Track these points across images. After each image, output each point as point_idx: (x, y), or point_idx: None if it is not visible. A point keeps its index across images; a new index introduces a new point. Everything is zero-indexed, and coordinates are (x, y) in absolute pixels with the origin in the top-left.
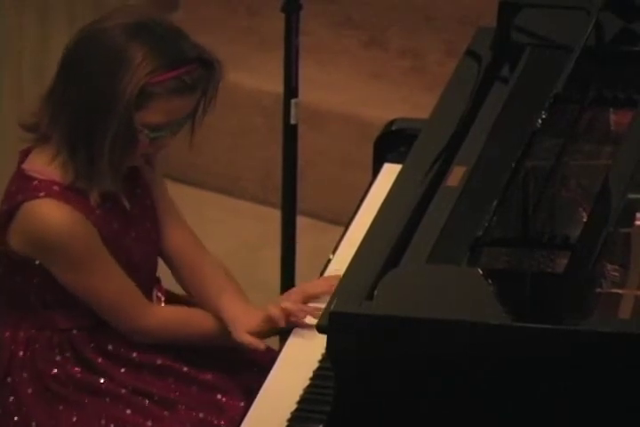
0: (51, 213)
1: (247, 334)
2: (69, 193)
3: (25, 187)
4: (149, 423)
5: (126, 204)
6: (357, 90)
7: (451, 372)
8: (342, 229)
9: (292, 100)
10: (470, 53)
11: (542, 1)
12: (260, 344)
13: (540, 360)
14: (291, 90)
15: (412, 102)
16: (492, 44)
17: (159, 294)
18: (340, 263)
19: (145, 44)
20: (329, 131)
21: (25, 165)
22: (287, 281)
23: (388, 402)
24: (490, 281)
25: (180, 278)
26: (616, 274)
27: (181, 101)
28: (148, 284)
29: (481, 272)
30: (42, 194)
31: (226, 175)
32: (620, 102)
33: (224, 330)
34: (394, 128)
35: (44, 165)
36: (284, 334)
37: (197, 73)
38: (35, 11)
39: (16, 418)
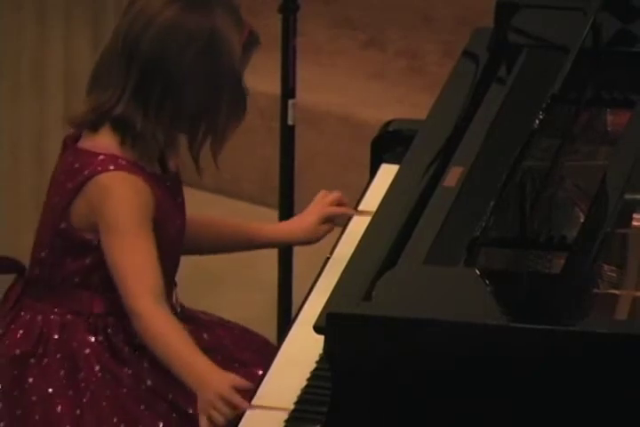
0: (124, 185)
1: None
2: (135, 168)
3: (90, 162)
4: (160, 424)
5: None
6: (355, 90)
7: (448, 373)
8: (340, 229)
9: (290, 101)
10: (468, 54)
11: (540, 2)
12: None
13: (537, 361)
14: (288, 91)
15: (409, 103)
16: (490, 44)
17: (178, 297)
18: (337, 263)
19: (221, 14)
20: (326, 131)
21: (82, 144)
22: (285, 281)
23: (385, 403)
24: (487, 282)
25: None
26: (613, 275)
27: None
28: (173, 277)
29: (478, 273)
30: (112, 167)
31: (224, 176)
32: (617, 103)
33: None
34: (391, 129)
35: (103, 144)
36: (282, 333)
37: None
38: (33, 10)
39: (34, 398)
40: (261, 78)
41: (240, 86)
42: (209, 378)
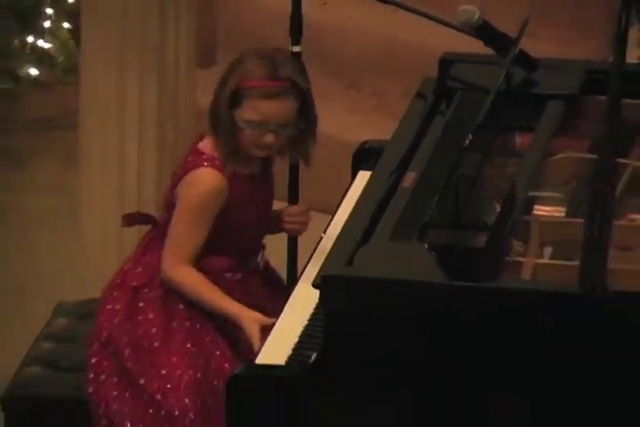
0: (205, 179)
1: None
2: (223, 167)
3: (196, 158)
4: (217, 352)
5: (253, 169)
6: (342, 121)
7: (406, 317)
8: (330, 216)
9: None
10: (418, 95)
11: (470, 58)
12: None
13: (471, 309)
14: None
15: (379, 129)
16: (435, 88)
17: (264, 256)
18: (329, 240)
19: (257, 59)
20: (322, 150)
21: (199, 145)
22: (291, 248)
23: (362, 336)
24: (433, 253)
25: None
26: (520, 248)
27: (269, 106)
28: (256, 245)
29: (427, 247)
30: (205, 164)
31: None
32: (522, 129)
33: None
34: (366, 146)
35: (210, 147)
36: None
37: (285, 89)
38: (115, 64)
39: (140, 318)
40: None
41: (226, 117)
42: (244, 317)
